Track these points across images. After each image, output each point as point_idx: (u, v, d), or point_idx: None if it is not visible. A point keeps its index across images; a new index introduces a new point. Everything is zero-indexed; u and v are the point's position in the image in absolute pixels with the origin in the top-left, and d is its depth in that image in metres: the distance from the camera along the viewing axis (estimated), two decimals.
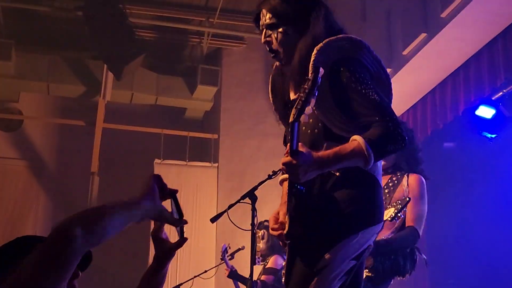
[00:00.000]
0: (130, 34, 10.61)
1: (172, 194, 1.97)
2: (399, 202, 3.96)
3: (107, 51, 10.49)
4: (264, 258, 6.63)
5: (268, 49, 2.73)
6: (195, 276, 6.38)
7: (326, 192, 2.59)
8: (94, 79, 11.17)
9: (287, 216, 2.56)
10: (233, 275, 6.72)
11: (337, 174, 2.58)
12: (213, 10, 10.95)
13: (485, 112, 7.97)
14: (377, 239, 3.64)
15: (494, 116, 8.03)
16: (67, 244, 1.48)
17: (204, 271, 6.56)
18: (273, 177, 3.19)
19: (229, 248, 6.96)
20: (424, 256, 4.27)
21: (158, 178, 1.91)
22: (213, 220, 3.42)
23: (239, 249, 6.94)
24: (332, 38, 2.63)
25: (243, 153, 11.06)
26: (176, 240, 1.98)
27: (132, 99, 11.72)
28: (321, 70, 2.30)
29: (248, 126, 11.30)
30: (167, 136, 11.44)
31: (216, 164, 11.18)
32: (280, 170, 3.16)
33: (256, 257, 6.37)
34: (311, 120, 2.62)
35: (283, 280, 2.79)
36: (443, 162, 9.10)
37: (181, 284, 6.47)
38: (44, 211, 11.51)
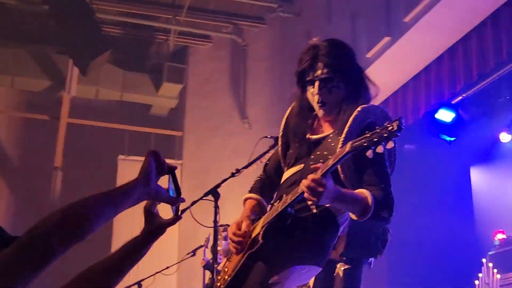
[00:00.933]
0: (96, 30, 10.54)
1: (171, 170, 1.88)
2: None
3: (73, 46, 10.40)
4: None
5: (319, 99, 2.80)
6: (156, 272, 6.36)
7: (298, 223, 2.73)
8: (59, 73, 11.03)
9: (255, 231, 2.77)
10: (208, 266, 6.73)
11: (315, 211, 2.76)
12: (180, 8, 10.91)
13: (445, 115, 8.10)
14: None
15: (454, 120, 8.17)
16: (46, 254, 1.45)
17: (166, 267, 6.53)
18: (236, 175, 3.22)
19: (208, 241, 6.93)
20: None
21: (156, 155, 1.80)
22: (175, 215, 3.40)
23: (201, 246, 6.95)
24: (373, 105, 2.85)
25: (207, 151, 11.06)
26: (170, 217, 1.92)
27: (97, 95, 11.63)
28: (347, 149, 2.45)
29: (213, 125, 11.31)
30: (132, 133, 11.41)
31: (180, 161, 11.15)
32: (242, 168, 3.18)
33: (218, 254, 6.40)
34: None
35: (221, 283, 2.81)
36: (403, 164, 9.21)
37: (142, 280, 6.43)
38: (6, 205, 11.36)
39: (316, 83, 2.78)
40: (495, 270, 7.38)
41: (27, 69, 10.93)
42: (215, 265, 3.68)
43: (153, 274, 6.23)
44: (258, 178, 3.10)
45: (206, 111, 11.39)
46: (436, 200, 8.90)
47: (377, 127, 2.39)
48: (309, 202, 2.73)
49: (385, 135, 2.34)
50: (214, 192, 3.07)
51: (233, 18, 11.46)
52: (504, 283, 7.32)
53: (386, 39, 7.79)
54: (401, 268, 8.97)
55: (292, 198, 2.64)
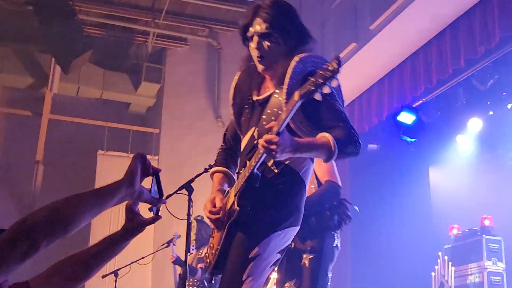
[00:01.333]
0: (78, 30, 10.50)
1: (155, 173, 1.89)
2: None
3: (56, 45, 10.34)
4: (199, 247, 6.65)
5: (258, 54, 2.75)
6: (132, 262, 6.32)
7: (265, 186, 2.69)
8: (42, 71, 10.96)
9: (233, 196, 2.73)
10: (178, 261, 6.72)
11: (276, 171, 2.72)
12: (159, 12, 10.90)
13: (406, 118, 8.17)
14: None
15: (414, 122, 8.24)
16: (30, 248, 1.45)
17: (141, 257, 6.49)
18: (209, 170, 3.20)
19: (179, 237, 6.92)
20: (356, 207, 4.21)
21: (143, 158, 1.82)
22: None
23: (174, 237, 6.92)
24: (311, 53, 2.76)
25: (182, 147, 11.05)
26: (150, 216, 1.93)
27: (78, 92, 11.59)
28: (295, 99, 2.41)
29: (188, 123, 11.31)
30: (111, 129, 11.34)
31: (156, 157, 11.14)
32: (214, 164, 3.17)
33: (191, 245, 6.37)
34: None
35: (211, 259, 2.79)
36: (367, 162, 9.29)
37: (119, 269, 6.38)
38: None
39: (255, 38, 2.76)
40: (450, 263, 7.47)
41: (11, 66, 10.82)
42: (188, 254, 3.66)
43: (129, 264, 6.19)
44: (220, 150, 3.06)
45: (182, 110, 11.39)
46: (397, 197, 8.98)
47: (318, 70, 2.38)
48: (269, 163, 2.72)
49: (328, 74, 2.33)
50: (188, 186, 3.06)
51: (208, 22, 11.49)
52: (458, 274, 7.42)
53: (353, 45, 7.83)
54: (364, 260, 9.06)
55: (256, 161, 2.61)
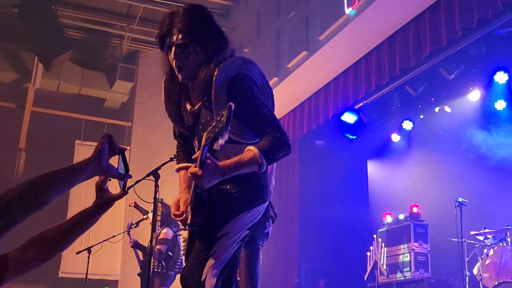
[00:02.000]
0: (60, 32, 10.41)
1: (121, 151, 1.86)
2: None
3: (39, 45, 10.23)
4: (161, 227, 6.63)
5: (176, 64, 2.55)
6: (104, 240, 6.31)
7: (221, 184, 2.51)
8: (25, 68, 10.83)
9: (189, 207, 2.54)
10: (135, 245, 6.71)
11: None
12: (133, 18, 10.87)
13: (349, 118, 8.28)
14: None
15: (356, 122, 8.37)
16: (8, 222, 1.45)
17: (112, 236, 6.49)
18: (174, 159, 3.19)
19: (134, 225, 6.89)
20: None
21: (110, 137, 1.79)
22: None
23: (143, 219, 6.92)
24: (231, 58, 2.56)
25: (152, 140, 11.03)
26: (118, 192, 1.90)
27: (58, 88, 11.48)
28: (233, 106, 2.14)
29: (157, 118, 11.26)
30: (88, 121, 11.27)
31: (128, 147, 11.09)
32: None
33: (156, 226, 6.40)
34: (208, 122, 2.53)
35: (182, 254, 2.76)
36: (314, 156, 9.39)
37: (92, 246, 6.36)
38: None
39: (173, 49, 2.54)
40: (383, 244, 7.60)
41: None
42: (154, 234, 3.68)
43: (101, 242, 6.17)
44: (179, 145, 2.91)
45: (152, 106, 11.35)
46: (339, 186, 9.08)
47: (212, 122, 2.17)
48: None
49: (220, 127, 2.10)
50: (155, 174, 3.07)
51: None
52: (390, 254, 7.54)
53: (304, 53, 7.89)
54: (310, 241, 9.13)
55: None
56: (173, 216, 2.66)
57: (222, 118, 2.10)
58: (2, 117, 11.13)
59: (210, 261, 2.44)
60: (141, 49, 11.60)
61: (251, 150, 2.37)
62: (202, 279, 2.42)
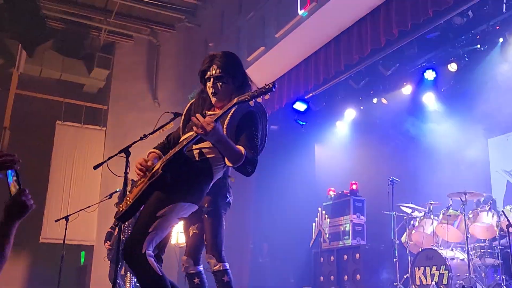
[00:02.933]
0: (42, 23, 10.15)
1: (10, 168, 1.77)
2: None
3: (23, 34, 9.96)
4: None
5: (212, 91, 2.84)
6: (81, 210, 6.20)
7: (186, 166, 2.75)
8: (10, 54, 10.47)
9: (160, 163, 2.76)
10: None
11: (198, 159, 2.78)
12: (110, 12, 10.69)
13: (300, 106, 8.34)
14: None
15: (306, 110, 8.43)
16: None
17: (88, 206, 6.39)
18: (144, 139, 3.19)
19: (107, 196, 6.71)
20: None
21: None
22: (95, 167, 3.32)
23: (116, 191, 6.82)
24: (250, 91, 2.79)
25: (126, 121, 10.89)
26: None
27: (41, 73, 11.20)
28: (234, 101, 2.54)
29: (131, 102, 11.17)
30: (68, 104, 11.04)
31: (104, 128, 10.96)
32: (148, 134, 3.17)
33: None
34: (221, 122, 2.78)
35: (123, 208, 2.76)
36: (269, 139, 9.40)
37: (69, 215, 6.25)
38: None
39: (211, 79, 2.83)
40: (326, 216, 7.72)
41: None
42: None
43: (78, 211, 6.07)
44: (161, 143, 3.07)
45: (126, 92, 11.24)
46: (290, 166, 9.11)
47: (257, 88, 2.56)
48: (195, 152, 2.78)
49: (262, 91, 2.51)
50: (126, 151, 3.04)
51: (150, 24, 11.35)
52: (332, 225, 7.63)
53: (261, 48, 7.87)
54: (263, 214, 9.17)
55: (188, 140, 2.69)
56: (137, 165, 2.83)
57: (267, 86, 2.51)
58: None
59: (149, 236, 2.62)
60: (117, 40, 11.41)
61: (241, 149, 2.65)
62: (143, 252, 2.59)
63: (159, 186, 2.72)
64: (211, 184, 2.88)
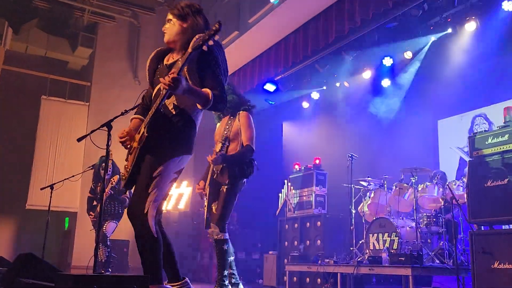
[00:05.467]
0: (28, 2, 9.91)
1: None
2: (224, 138, 4.04)
3: (9, 12, 9.71)
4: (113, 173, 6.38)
5: (164, 30, 2.89)
6: (65, 179, 6.10)
7: (166, 123, 2.70)
8: None
9: (143, 126, 2.70)
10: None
11: (174, 112, 2.71)
12: None
13: (270, 87, 8.33)
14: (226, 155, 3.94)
15: (275, 90, 8.43)
16: None
17: (72, 175, 6.30)
18: (124, 114, 3.16)
19: (90, 167, 6.59)
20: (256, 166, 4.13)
21: None
22: (79, 140, 3.26)
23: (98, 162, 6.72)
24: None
25: (108, 97, 10.72)
26: None
27: (27, 50, 10.90)
28: (189, 51, 2.53)
29: (113, 79, 10.99)
30: (53, 80, 10.80)
31: (87, 103, 10.76)
32: (129, 110, 3.14)
33: (108, 168, 6.26)
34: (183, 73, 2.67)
35: (126, 176, 2.76)
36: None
37: (54, 183, 6.15)
38: None
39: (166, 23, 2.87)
40: (292, 187, 7.79)
41: None
42: (106, 176, 3.60)
43: (62, 180, 5.97)
44: (139, 105, 3.00)
45: (108, 70, 11.04)
46: (260, 141, 9.06)
47: (205, 31, 2.56)
48: (170, 107, 2.72)
49: (211, 33, 2.48)
50: (108, 125, 3.00)
51: (132, 6, 11.11)
52: (296, 195, 7.70)
53: (236, 33, 7.82)
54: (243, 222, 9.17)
55: (161, 98, 2.63)
56: (118, 139, 2.79)
57: (214, 28, 2.46)
58: None
59: (151, 197, 2.60)
60: (100, 21, 11.13)
61: (207, 91, 2.60)
62: (145, 212, 2.58)
63: (149, 148, 2.68)
64: (197, 130, 2.81)
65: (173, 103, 2.72)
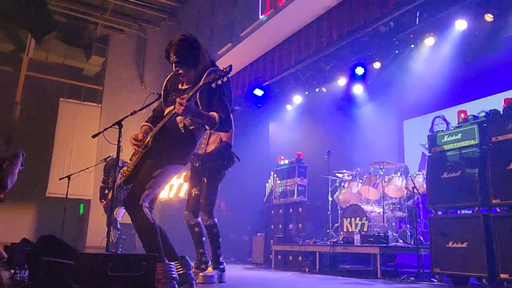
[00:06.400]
0: (49, 16, 9.83)
1: None
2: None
3: (32, 25, 9.61)
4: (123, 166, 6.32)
5: (177, 73, 2.78)
6: (81, 170, 6.08)
7: (173, 136, 2.73)
8: (21, 42, 10.11)
9: (150, 136, 2.73)
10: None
11: (182, 131, 2.76)
12: (105, 10, 10.38)
13: (258, 92, 8.30)
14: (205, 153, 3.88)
15: (263, 95, 8.40)
16: None
17: (87, 167, 6.27)
18: (133, 114, 3.15)
19: (102, 160, 6.53)
20: (236, 157, 4.12)
21: None
22: (93, 136, 3.25)
23: (109, 156, 6.69)
24: (213, 68, 2.76)
25: (119, 100, 10.65)
26: None
27: (47, 58, 10.78)
28: (201, 84, 2.55)
29: (122, 84, 10.91)
30: (70, 85, 10.74)
31: (100, 105, 10.68)
32: (138, 110, 3.13)
33: (119, 160, 6.20)
34: (193, 99, 2.70)
35: (126, 174, 2.77)
36: (233, 118, 9.30)
37: (71, 174, 6.12)
38: None
39: (173, 64, 2.79)
40: (277, 178, 7.78)
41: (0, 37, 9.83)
42: (118, 169, 3.58)
43: (78, 171, 5.95)
44: (150, 116, 3.01)
45: (119, 76, 10.97)
46: (251, 140, 9.09)
47: (216, 71, 2.54)
48: (180, 125, 2.75)
49: (220, 75, 2.49)
50: (119, 123, 2.99)
51: (139, 21, 11.06)
52: (281, 185, 7.69)
53: (229, 44, 7.81)
54: (227, 178, 9.12)
55: (169, 116, 2.66)
56: (131, 140, 2.82)
57: (224, 70, 2.49)
58: (3, 78, 10.36)
59: (146, 192, 2.64)
60: (111, 33, 11.06)
61: (214, 115, 2.63)
62: (140, 203, 2.63)
63: (151, 154, 2.72)
64: (196, 147, 2.85)
65: (184, 123, 2.77)
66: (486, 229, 3.91)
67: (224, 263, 3.90)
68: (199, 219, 3.82)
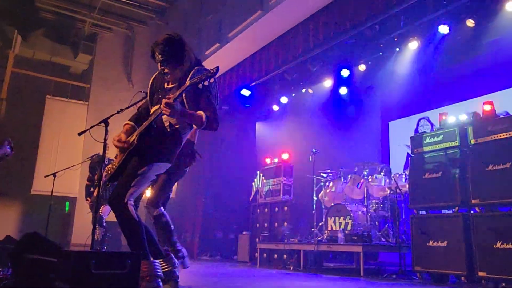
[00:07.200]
0: (36, 13, 9.66)
1: None
2: None
3: (19, 21, 9.45)
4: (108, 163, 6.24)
5: (162, 72, 2.79)
6: (66, 168, 5.99)
7: (159, 135, 2.73)
8: (8, 38, 9.91)
9: (135, 134, 2.71)
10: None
11: (168, 130, 2.75)
12: (93, 8, 10.21)
13: (245, 92, 8.30)
14: None
15: (250, 95, 8.40)
16: None
17: (72, 165, 6.18)
18: (120, 112, 3.11)
19: (88, 158, 6.44)
20: (199, 155, 4.02)
21: None
22: (79, 134, 3.20)
23: (95, 154, 6.60)
24: (199, 67, 2.76)
25: (105, 98, 10.53)
26: None
27: (34, 55, 10.61)
28: (187, 84, 2.54)
29: (109, 82, 10.80)
30: (57, 82, 10.57)
31: (87, 103, 10.56)
32: (124, 108, 3.09)
33: (105, 158, 6.12)
34: (179, 99, 2.69)
35: (111, 171, 2.74)
36: (221, 118, 9.29)
37: (57, 172, 6.02)
38: None
39: (159, 63, 2.79)
40: (263, 177, 7.79)
41: None
42: (103, 166, 3.52)
43: (64, 169, 5.86)
44: (134, 114, 3.01)
45: (106, 74, 10.85)
46: (236, 139, 9.12)
47: (203, 72, 2.53)
48: (166, 124, 2.74)
49: (208, 75, 2.49)
50: (105, 121, 2.95)
51: (127, 20, 10.95)
52: (267, 184, 7.71)
53: (217, 44, 7.79)
54: (214, 176, 9.15)
55: (156, 115, 2.66)
56: (113, 141, 2.80)
57: (212, 71, 2.47)
58: None
59: (131, 190, 2.63)
60: (99, 32, 10.93)
61: (201, 113, 2.62)
62: (125, 201, 2.61)
63: (136, 153, 2.70)
64: (181, 145, 2.84)
65: (170, 122, 2.76)
66: (465, 228, 3.97)
67: (183, 248, 3.78)
68: (161, 209, 3.73)
